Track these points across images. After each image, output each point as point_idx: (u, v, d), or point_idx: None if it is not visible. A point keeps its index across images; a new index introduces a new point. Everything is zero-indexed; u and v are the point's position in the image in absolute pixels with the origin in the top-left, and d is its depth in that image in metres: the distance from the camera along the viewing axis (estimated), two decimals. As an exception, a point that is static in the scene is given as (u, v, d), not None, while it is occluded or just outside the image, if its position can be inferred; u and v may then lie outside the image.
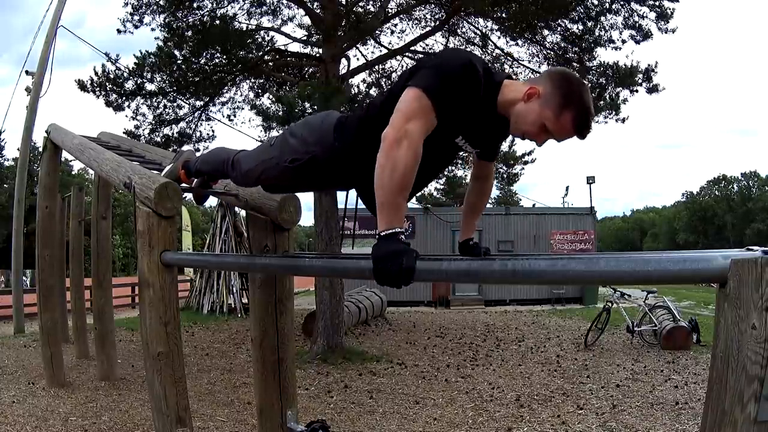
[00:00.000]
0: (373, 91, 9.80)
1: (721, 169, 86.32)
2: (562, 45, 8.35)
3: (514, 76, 1.60)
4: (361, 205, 1.88)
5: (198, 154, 2.59)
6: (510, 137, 2.22)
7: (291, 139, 1.77)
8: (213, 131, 10.05)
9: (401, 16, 8.91)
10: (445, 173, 11.84)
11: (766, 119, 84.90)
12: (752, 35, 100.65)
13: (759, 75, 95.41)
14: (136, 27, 8.29)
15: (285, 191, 2.20)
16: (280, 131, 2.00)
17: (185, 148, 5.76)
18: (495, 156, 1.79)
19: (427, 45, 9.24)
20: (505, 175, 11.16)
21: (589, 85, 8.15)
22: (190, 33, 8.18)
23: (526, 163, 11.00)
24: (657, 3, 7.58)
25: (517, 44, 8.75)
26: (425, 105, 1.36)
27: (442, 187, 13.63)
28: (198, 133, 9.83)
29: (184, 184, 2.48)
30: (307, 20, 8.99)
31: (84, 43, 13.11)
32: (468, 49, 9.18)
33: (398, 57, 9.28)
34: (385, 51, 9.22)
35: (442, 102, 1.37)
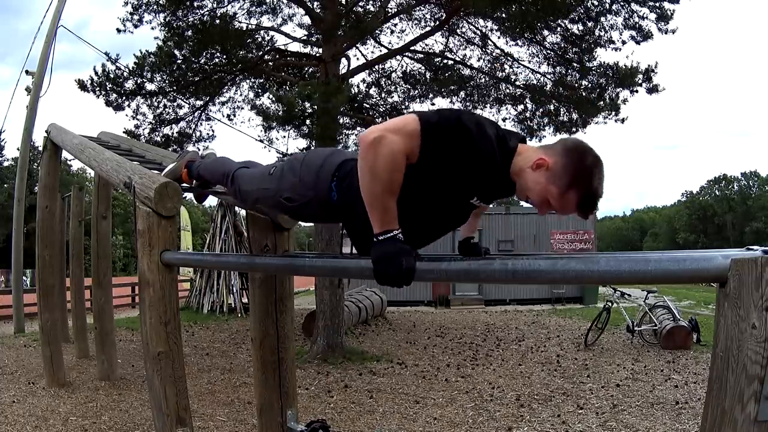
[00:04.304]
0: (373, 91, 9.81)
1: (718, 170, 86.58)
2: (563, 45, 8.34)
3: (527, 140, 1.57)
4: None
5: (200, 153, 2.60)
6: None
7: (290, 175, 1.72)
8: (213, 131, 10.05)
9: (401, 16, 8.91)
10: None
11: (761, 121, 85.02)
12: (747, 38, 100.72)
13: (754, 77, 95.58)
14: (136, 26, 8.29)
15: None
16: (279, 137, 2.02)
17: (190, 148, 5.76)
18: None
19: (426, 45, 9.24)
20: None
21: (589, 85, 8.17)
22: (190, 32, 8.18)
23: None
24: (657, 4, 7.58)
25: (517, 44, 8.75)
26: (412, 129, 1.34)
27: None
28: (198, 133, 9.83)
29: (184, 184, 2.48)
30: (307, 20, 8.98)
31: (86, 45, 13.11)
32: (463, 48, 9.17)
33: (398, 57, 9.28)
34: (385, 51, 9.22)
35: (432, 139, 1.34)
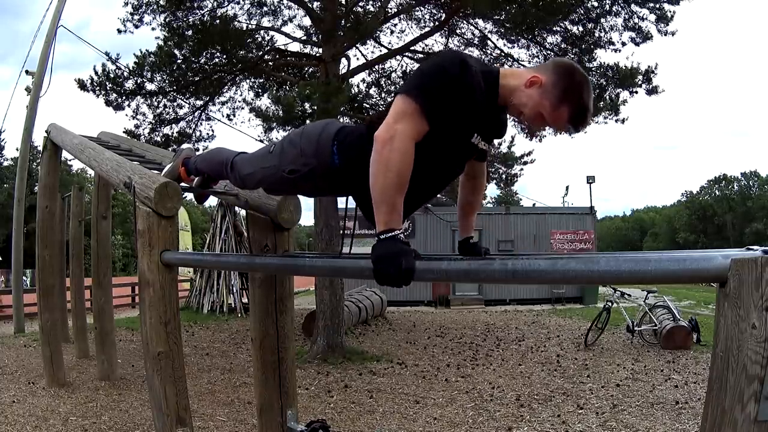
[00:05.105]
0: (373, 91, 9.80)
1: (718, 170, 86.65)
2: (563, 46, 8.34)
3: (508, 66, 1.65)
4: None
5: (198, 153, 2.59)
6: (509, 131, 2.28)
7: (290, 148, 1.75)
8: (213, 131, 10.05)
9: (401, 16, 8.91)
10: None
11: (761, 121, 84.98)
12: (746, 39, 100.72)
13: (753, 78, 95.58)
14: (137, 27, 8.29)
15: (285, 194, 2.22)
16: (280, 137, 2.04)
17: (184, 146, 5.76)
18: (487, 155, 1.79)
19: (426, 45, 9.24)
20: (503, 176, 11.13)
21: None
22: (190, 32, 8.18)
23: (525, 163, 10.99)
24: (657, 5, 7.57)
25: (517, 45, 8.75)
26: (412, 107, 1.38)
27: (442, 186, 13.59)
28: (198, 133, 9.83)
29: (184, 183, 2.48)
30: (307, 20, 8.99)
31: (86, 45, 13.12)
32: (462, 50, 9.22)
33: (398, 57, 9.28)
34: (385, 51, 9.22)
35: (430, 103, 1.39)
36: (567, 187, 49.78)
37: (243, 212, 8.94)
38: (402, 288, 1.36)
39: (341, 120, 8.74)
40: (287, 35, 8.94)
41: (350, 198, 1.89)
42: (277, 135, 9.36)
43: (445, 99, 1.40)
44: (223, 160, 2.09)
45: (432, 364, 6.94)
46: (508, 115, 1.74)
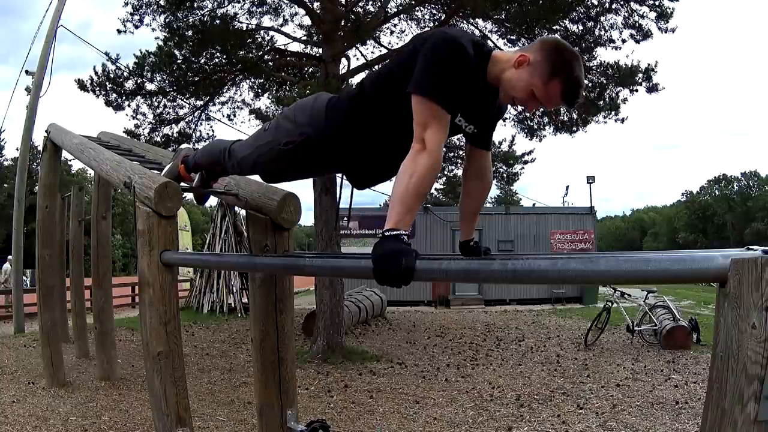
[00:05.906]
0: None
1: (718, 170, 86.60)
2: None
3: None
4: (359, 204, 1.90)
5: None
6: (503, 121, 2.27)
7: (284, 122, 1.81)
8: (213, 131, 10.06)
9: (401, 16, 8.91)
10: (446, 173, 11.83)
11: (761, 121, 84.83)
12: (747, 38, 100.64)
13: (754, 77, 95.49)
14: (137, 27, 8.29)
15: (281, 179, 2.17)
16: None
17: (183, 146, 5.76)
18: (489, 142, 1.76)
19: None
20: (504, 175, 11.14)
21: (590, 84, 8.17)
22: (190, 33, 8.18)
23: (525, 162, 11.00)
24: (657, 2, 7.57)
25: (517, 45, 8.74)
26: (432, 108, 1.40)
27: (442, 186, 13.64)
28: (198, 133, 9.84)
29: (184, 183, 2.48)
30: (307, 20, 8.99)
31: (87, 46, 13.12)
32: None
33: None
34: (385, 51, 9.22)
35: (443, 95, 1.41)
36: (567, 187, 49.58)
37: (243, 212, 8.94)
38: (402, 288, 1.36)
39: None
40: (287, 35, 8.95)
41: (345, 197, 1.91)
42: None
43: (449, 85, 1.42)
44: (221, 149, 2.13)
45: (432, 364, 6.95)
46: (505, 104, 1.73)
